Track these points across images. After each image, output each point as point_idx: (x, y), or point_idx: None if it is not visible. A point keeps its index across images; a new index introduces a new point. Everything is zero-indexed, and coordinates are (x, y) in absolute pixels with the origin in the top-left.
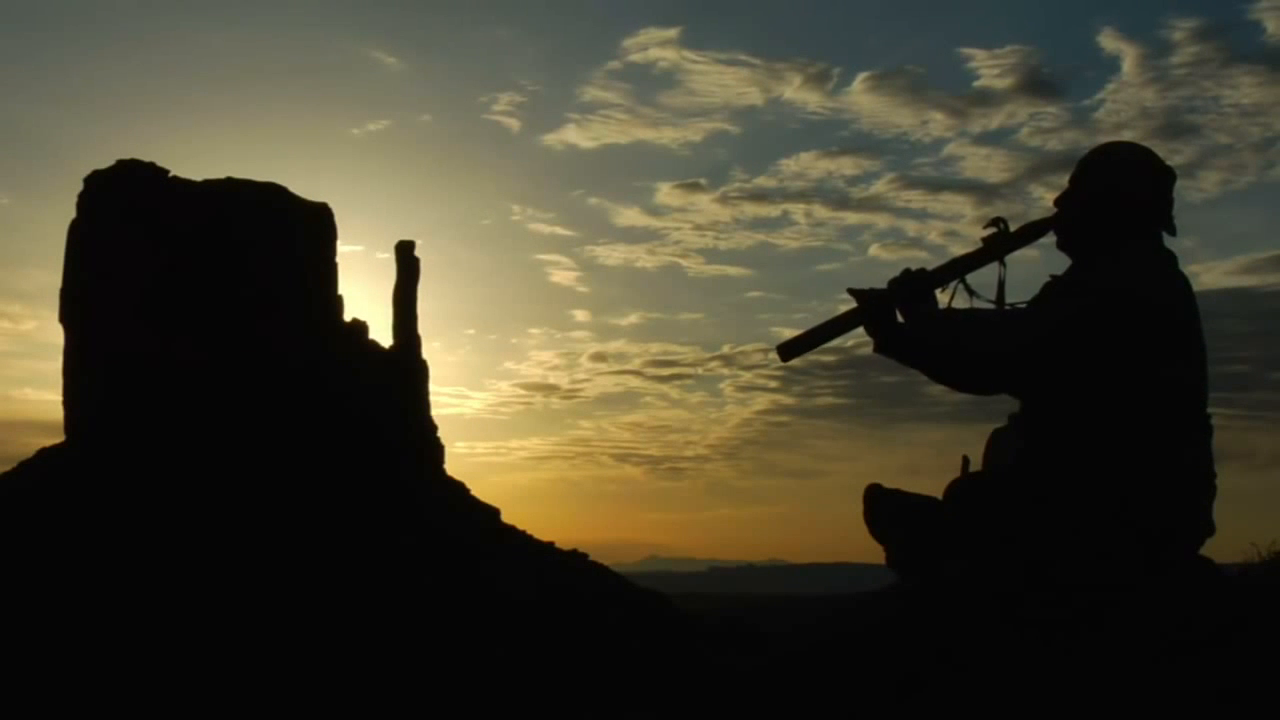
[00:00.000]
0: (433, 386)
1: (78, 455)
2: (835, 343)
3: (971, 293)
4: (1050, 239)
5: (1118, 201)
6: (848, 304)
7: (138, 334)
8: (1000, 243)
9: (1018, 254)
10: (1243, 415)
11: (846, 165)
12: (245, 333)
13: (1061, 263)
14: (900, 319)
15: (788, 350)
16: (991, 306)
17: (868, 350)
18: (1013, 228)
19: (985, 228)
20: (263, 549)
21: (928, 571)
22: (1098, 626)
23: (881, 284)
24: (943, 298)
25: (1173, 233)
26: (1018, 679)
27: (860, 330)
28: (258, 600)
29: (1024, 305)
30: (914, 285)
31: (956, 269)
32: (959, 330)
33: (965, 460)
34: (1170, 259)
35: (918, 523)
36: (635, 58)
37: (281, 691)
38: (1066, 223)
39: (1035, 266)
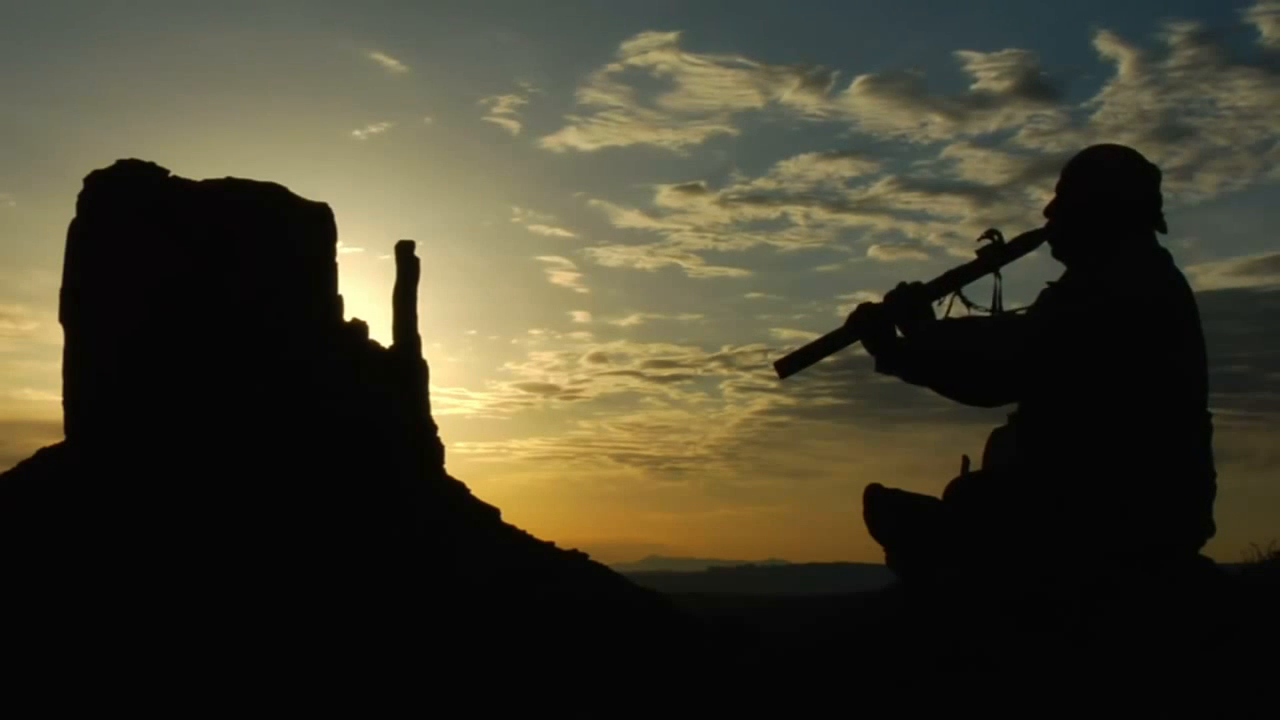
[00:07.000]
0: (433, 387)
1: (78, 455)
2: None
3: (968, 304)
4: (1045, 249)
5: (1110, 206)
6: (847, 307)
7: (137, 334)
8: (995, 254)
9: (1013, 262)
10: (1242, 415)
11: (845, 167)
12: (245, 333)
13: (1057, 269)
14: (900, 334)
15: (785, 366)
16: (989, 315)
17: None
18: (1007, 238)
19: (979, 240)
20: (262, 549)
21: (928, 571)
22: (1098, 627)
23: (880, 285)
24: (939, 310)
25: (1163, 230)
26: (1018, 680)
27: None
28: (257, 600)
29: (1023, 311)
30: (909, 300)
31: (952, 281)
32: (961, 338)
33: (965, 460)
34: (1166, 258)
35: (918, 523)
36: (635, 60)
37: (281, 690)
38: (1061, 231)
39: (1032, 271)
